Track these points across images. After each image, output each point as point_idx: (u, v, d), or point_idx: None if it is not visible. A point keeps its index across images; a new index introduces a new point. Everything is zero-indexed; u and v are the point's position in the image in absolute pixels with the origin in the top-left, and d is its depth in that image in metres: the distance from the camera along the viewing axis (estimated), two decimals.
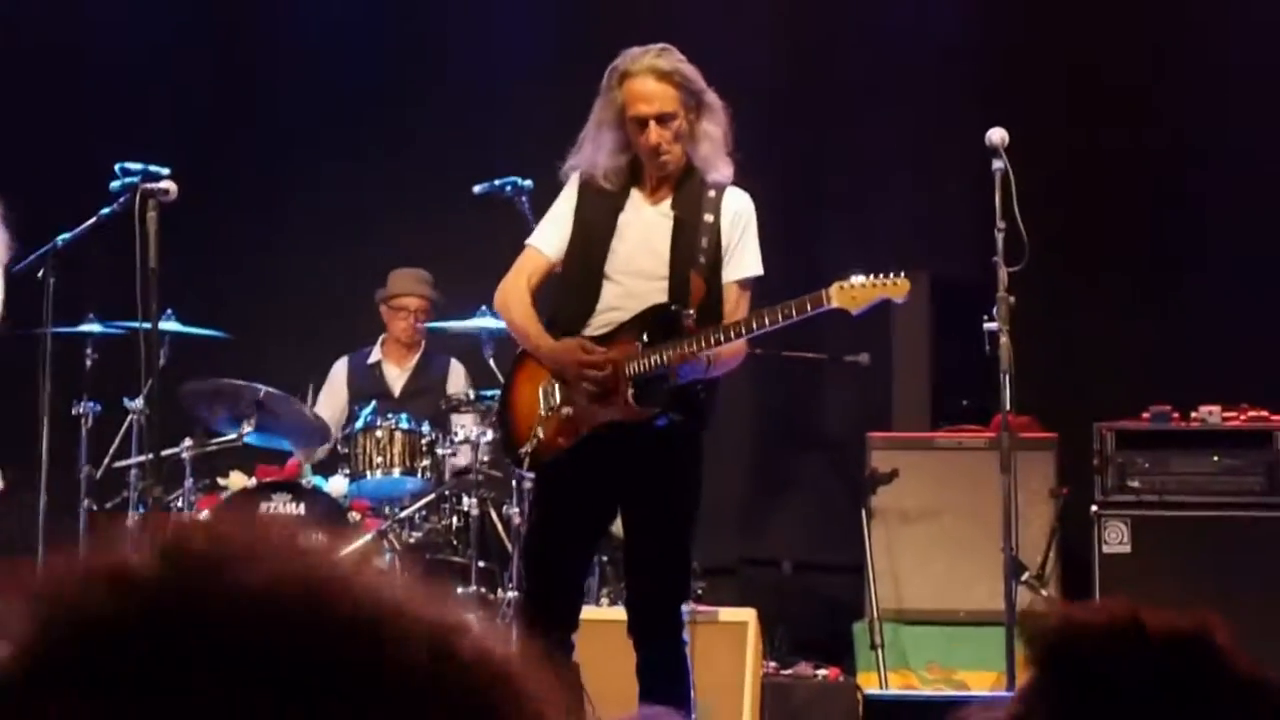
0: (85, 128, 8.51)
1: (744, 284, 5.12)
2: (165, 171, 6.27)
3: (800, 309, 4.91)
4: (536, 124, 8.03)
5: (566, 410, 5.07)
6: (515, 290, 5.17)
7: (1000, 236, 5.58)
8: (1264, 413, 6.99)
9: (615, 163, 5.07)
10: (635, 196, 5.12)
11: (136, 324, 6.12)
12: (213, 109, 8.83)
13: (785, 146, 8.64)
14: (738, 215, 5.11)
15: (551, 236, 5.20)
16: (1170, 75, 8.22)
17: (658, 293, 5.04)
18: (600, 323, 5.08)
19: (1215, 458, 6.95)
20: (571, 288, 5.15)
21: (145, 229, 5.84)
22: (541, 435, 5.07)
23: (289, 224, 8.67)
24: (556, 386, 5.11)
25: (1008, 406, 5.56)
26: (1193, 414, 7.05)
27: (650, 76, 4.99)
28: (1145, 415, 7.11)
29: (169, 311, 7.08)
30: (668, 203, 5.10)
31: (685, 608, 6.51)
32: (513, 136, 8.12)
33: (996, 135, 5.68)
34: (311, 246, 8.63)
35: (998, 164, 5.64)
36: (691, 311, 4.98)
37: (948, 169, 8.11)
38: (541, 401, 5.12)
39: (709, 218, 5.04)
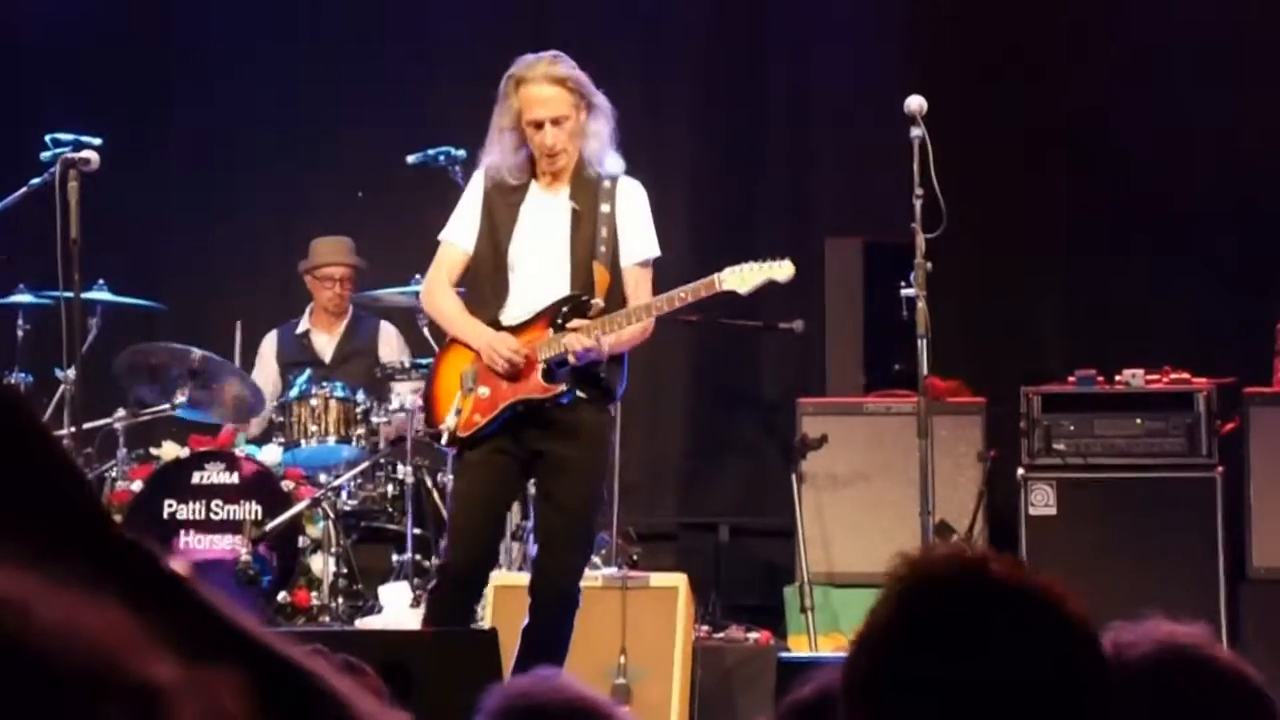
0: (16, 98, 8.50)
1: (643, 264, 5.51)
2: (95, 141, 6.29)
3: (695, 293, 5.35)
4: (470, 93, 8.04)
5: (484, 389, 5.41)
6: (440, 288, 5.58)
7: (918, 204, 5.65)
8: (1185, 375, 7.08)
9: (517, 159, 5.41)
10: (534, 188, 5.47)
11: (62, 294, 6.13)
12: (144, 77, 8.81)
13: (720, 113, 8.69)
14: (632, 202, 5.48)
15: (464, 230, 5.54)
16: (1090, 44, 8.31)
17: (561, 282, 5.41)
18: (513, 315, 5.44)
19: (1138, 420, 7.03)
20: (483, 280, 5.51)
21: (67, 200, 5.86)
22: (461, 413, 5.40)
23: (223, 194, 8.67)
24: (476, 370, 5.44)
25: (925, 371, 5.64)
26: (1117, 377, 7.14)
27: (545, 82, 5.34)
28: (1071, 379, 7.20)
29: (101, 282, 7.10)
30: (565, 194, 5.46)
31: (615, 572, 6.66)
32: (446, 106, 8.14)
33: (914, 103, 5.73)
34: (245, 216, 8.64)
35: (916, 131, 5.69)
36: (600, 301, 5.36)
37: (878, 135, 8.17)
38: (461, 383, 5.45)
39: (605, 208, 5.42)
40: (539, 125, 5.32)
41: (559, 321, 5.36)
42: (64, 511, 1.05)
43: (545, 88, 5.32)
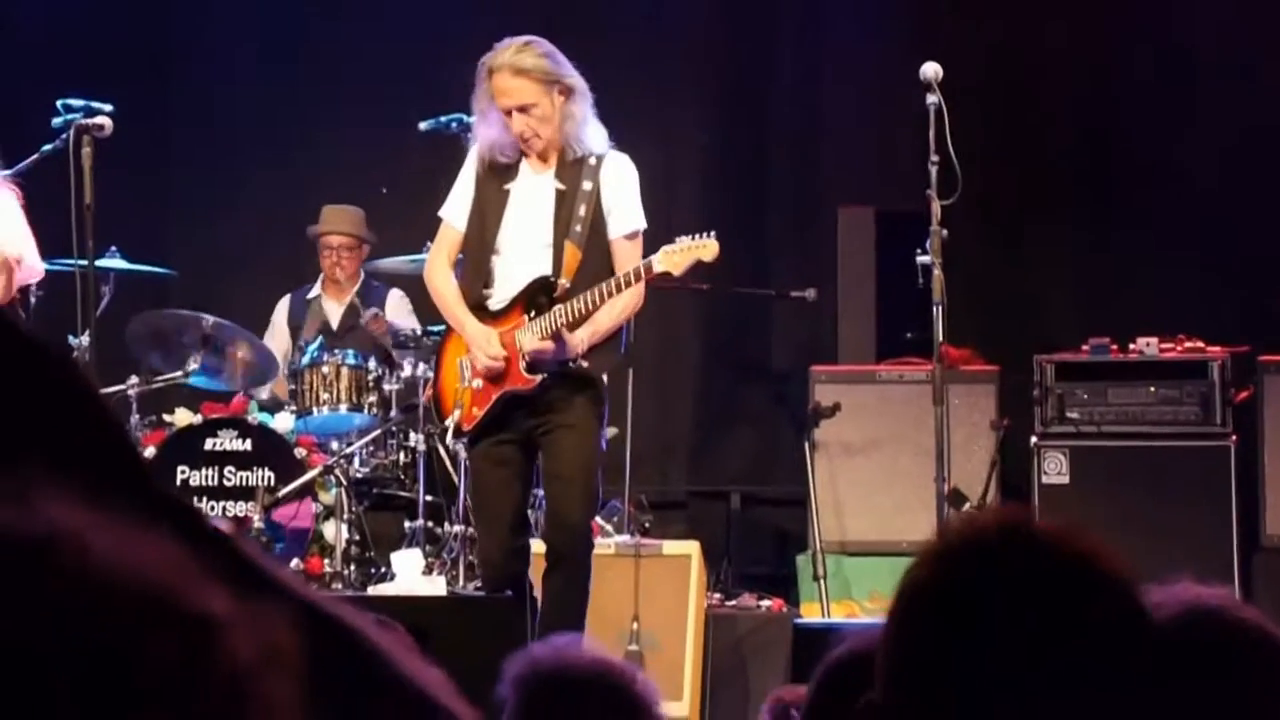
0: (26, 64, 8.47)
1: (630, 237, 5.61)
2: (107, 108, 6.27)
3: (637, 275, 5.42)
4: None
5: (477, 382, 5.64)
6: (441, 270, 5.79)
7: (934, 170, 5.64)
8: (1200, 343, 7.07)
9: (506, 137, 5.54)
10: (525, 168, 5.62)
11: (77, 261, 6.13)
12: (156, 44, 8.79)
13: (731, 84, 8.66)
14: (615, 176, 5.59)
15: (460, 209, 5.71)
16: (1106, 13, 8.28)
17: (543, 264, 5.55)
18: (499, 296, 5.62)
19: (1152, 388, 7.02)
20: (470, 261, 5.70)
21: (81, 165, 5.85)
22: (462, 407, 5.65)
23: (238, 160, 8.66)
24: (470, 361, 5.65)
25: (940, 338, 5.63)
26: (1131, 345, 7.13)
27: (508, 73, 5.47)
28: (1085, 347, 7.19)
29: (114, 249, 7.09)
30: (552, 173, 5.58)
31: (629, 540, 6.69)
32: (459, 72, 8.09)
33: (930, 70, 5.72)
34: (260, 183, 8.62)
35: (931, 99, 5.68)
36: (565, 281, 5.48)
37: (891, 104, 8.15)
38: (460, 375, 5.69)
39: (588, 185, 5.52)
40: (509, 113, 5.47)
41: (531, 308, 5.53)
42: (113, 462, 1.05)
43: (509, 79, 5.45)
